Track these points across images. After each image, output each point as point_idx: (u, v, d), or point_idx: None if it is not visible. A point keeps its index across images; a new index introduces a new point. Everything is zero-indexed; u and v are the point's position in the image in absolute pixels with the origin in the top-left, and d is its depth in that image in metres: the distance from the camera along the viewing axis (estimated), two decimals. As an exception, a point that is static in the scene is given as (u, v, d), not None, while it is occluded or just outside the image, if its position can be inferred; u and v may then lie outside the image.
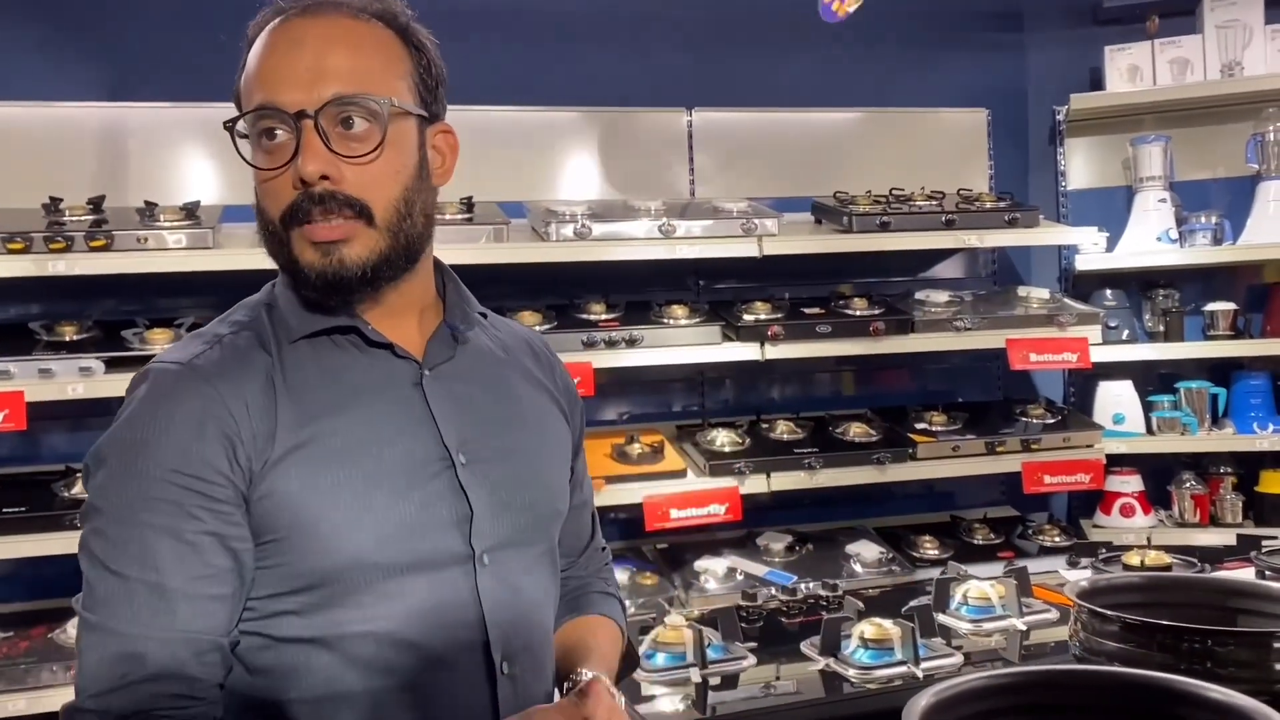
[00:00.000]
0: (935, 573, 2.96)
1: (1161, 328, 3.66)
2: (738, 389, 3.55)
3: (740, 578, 2.98)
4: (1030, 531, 3.33)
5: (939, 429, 3.24)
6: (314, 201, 1.01)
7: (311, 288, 1.04)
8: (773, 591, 1.77)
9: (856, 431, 3.21)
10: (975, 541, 3.28)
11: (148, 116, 2.99)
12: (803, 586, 2.81)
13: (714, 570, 2.99)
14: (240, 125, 1.04)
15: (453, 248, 2.75)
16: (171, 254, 2.58)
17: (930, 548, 3.20)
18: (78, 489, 2.52)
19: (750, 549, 3.17)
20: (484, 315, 1.21)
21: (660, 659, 1.38)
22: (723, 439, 3.13)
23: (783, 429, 3.22)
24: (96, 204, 2.69)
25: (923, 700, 0.84)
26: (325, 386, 1.04)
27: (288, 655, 1.00)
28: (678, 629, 1.39)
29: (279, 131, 1.02)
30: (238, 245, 2.64)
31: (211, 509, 0.97)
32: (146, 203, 2.69)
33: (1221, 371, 3.68)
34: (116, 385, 2.47)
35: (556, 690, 1.14)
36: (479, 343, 1.17)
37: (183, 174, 3.00)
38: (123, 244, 2.53)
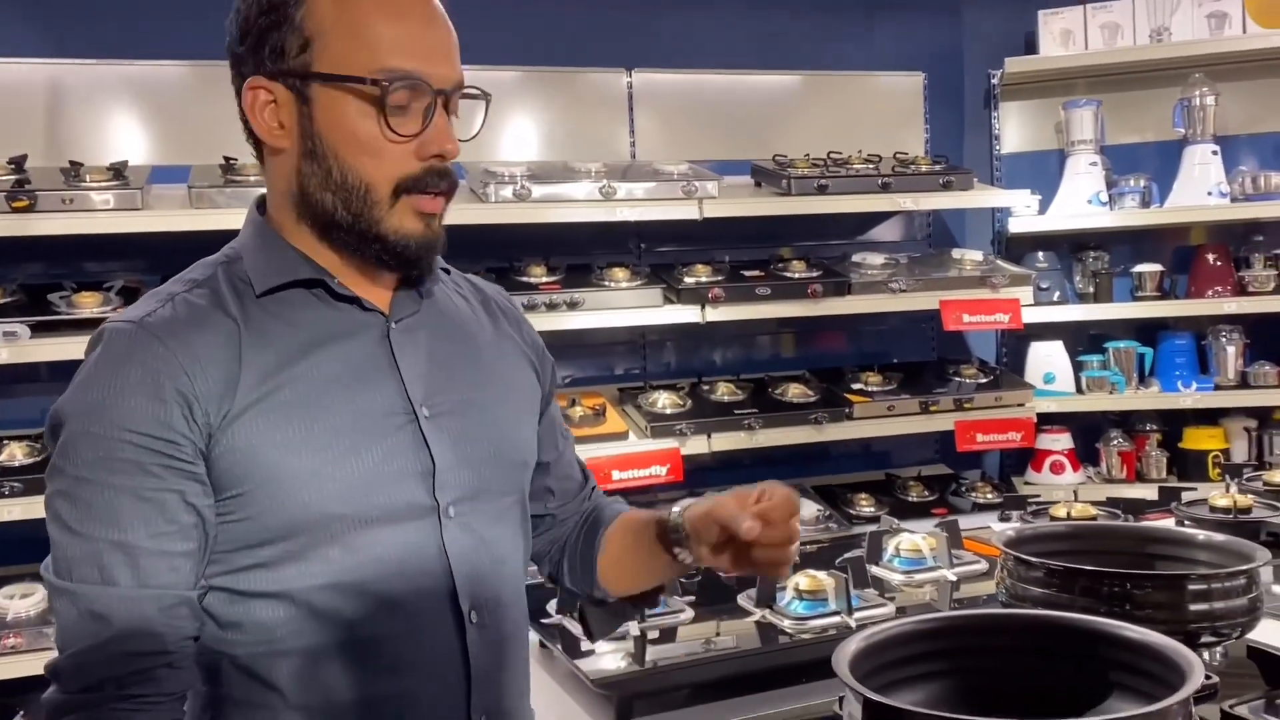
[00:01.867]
0: (871, 529, 3.06)
1: (1091, 289, 3.75)
2: (679, 351, 3.57)
3: (682, 537, 3.02)
4: (963, 489, 3.41)
5: (875, 389, 3.29)
6: (439, 176, 1.06)
7: (399, 255, 1.06)
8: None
9: (795, 392, 3.25)
10: (910, 499, 3.35)
11: (72, 73, 2.90)
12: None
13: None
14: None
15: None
16: (98, 215, 2.51)
17: (866, 505, 3.26)
18: (4, 455, 2.47)
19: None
20: (447, 271, 1.21)
21: (600, 614, 1.39)
22: (664, 401, 3.15)
23: (723, 390, 3.24)
24: (18, 164, 2.61)
25: (851, 645, 0.86)
26: (290, 340, 1.04)
27: (256, 609, 1.01)
28: (617, 584, 1.40)
29: (414, 103, 1.04)
30: (168, 206, 2.58)
31: (171, 467, 0.98)
32: (71, 162, 2.61)
33: (1149, 332, 3.78)
34: (44, 350, 2.42)
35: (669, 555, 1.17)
36: (443, 297, 1.17)
37: (109, 133, 2.91)
38: (47, 205, 2.46)
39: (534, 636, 1.44)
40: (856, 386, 3.31)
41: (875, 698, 0.76)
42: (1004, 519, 2.13)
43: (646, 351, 3.54)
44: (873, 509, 3.24)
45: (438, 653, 1.05)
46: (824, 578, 1.40)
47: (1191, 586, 1.03)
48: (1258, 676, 1.09)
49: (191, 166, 2.73)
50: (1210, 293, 3.64)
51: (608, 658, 1.35)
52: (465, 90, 1.09)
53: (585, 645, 1.38)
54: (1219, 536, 1.17)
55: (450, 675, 1.05)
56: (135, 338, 1.00)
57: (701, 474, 3.26)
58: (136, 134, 2.92)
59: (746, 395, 3.23)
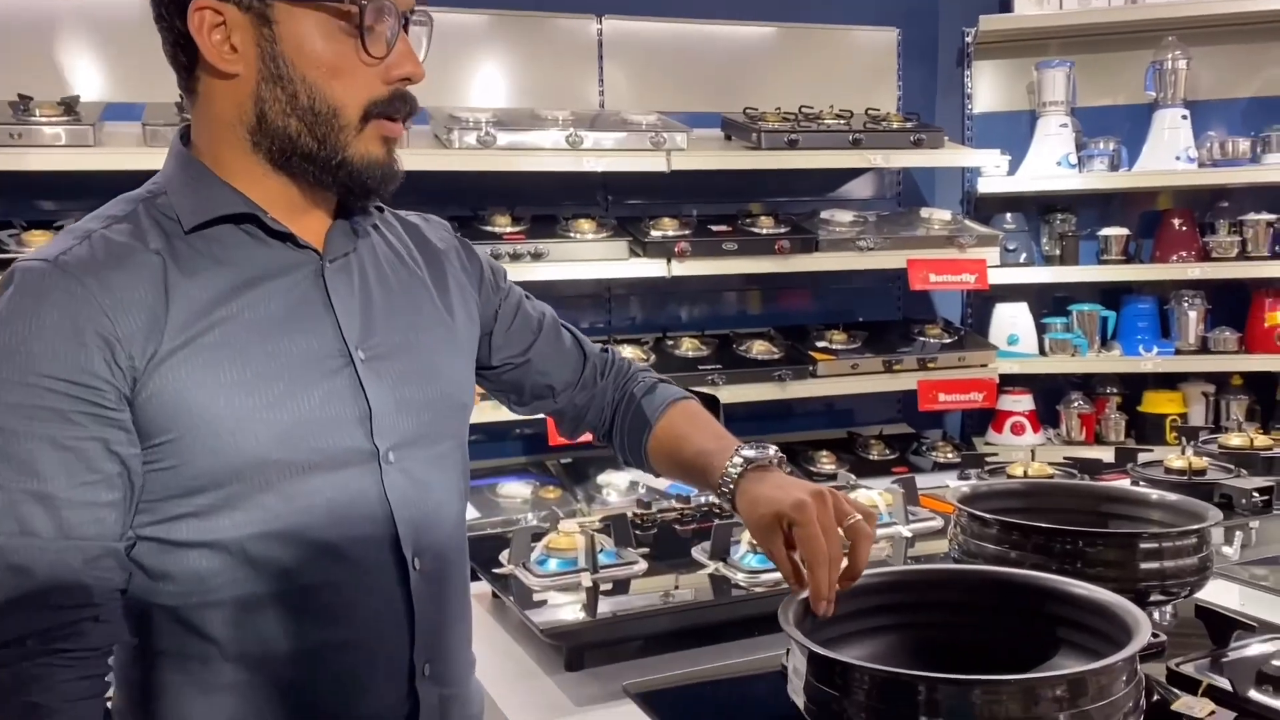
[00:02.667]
0: (849, 478, 3.07)
1: (1058, 251, 3.75)
2: (645, 306, 3.54)
3: (642, 491, 3.01)
4: (924, 448, 3.43)
5: (839, 347, 3.29)
6: (404, 100, 1.04)
7: (364, 183, 1.03)
8: (672, 502, 1.78)
9: (759, 349, 3.24)
10: (871, 457, 3.36)
11: (22, 4, 2.80)
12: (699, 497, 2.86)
13: (616, 484, 3.02)
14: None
15: (351, 153, 2.66)
16: (49, 151, 2.44)
17: (827, 463, 3.27)
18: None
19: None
20: (380, 209, 1.17)
21: (552, 564, 1.38)
22: (627, 355, 3.12)
23: (687, 346, 3.23)
24: (-35, 96, 2.53)
25: (799, 599, 0.85)
26: (220, 278, 1.00)
27: (191, 559, 0.98)
28: (570, 535, 1.40)
29: (379, 25, 1.01)
30: (122, 144, 2.51)
31: (93, 414, 0.93)
32: (20, 96, 2.53)
33: (1113, 295, 3.80)
34: (-9, 289, 2.35)
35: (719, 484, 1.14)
36: (379, 236, 1.13)
37: (60, 68, 2.82)
38: (-6, 140, 2.38)
39: (485, 587, 1.43)
40: (821, 344, 3.30)
41: (819, 650, 0.75)
42: (963, 478, 2.13)
43: (612, 305, 3.51)
44: (833, 467, 3.26)
45: (380, 601, 1.03)
46: (779, 532, 1.39)
47: (1143, 545, 1.03)
48: (1205, 635, 1.09)
49: (146, 104, 2.66)
50: (1174, 258, 3.66)
51: (560, 609, 1.33)
52: (415, 14, 1.06)
53: (538, 595, 1.36)
54: (1172, 496, 1.17)
55: (393, 623, 1.04)
56: (50, 278, 0.94)
57: (664, 428, 3.24)
58: (90, 69, 2.84)
59: (711, 351, 3.21)
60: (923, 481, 3.22)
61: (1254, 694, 0.96)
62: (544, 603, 1.36)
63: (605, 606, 1.32)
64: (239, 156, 1.02)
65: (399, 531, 1.03)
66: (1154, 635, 1.12)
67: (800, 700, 0.79)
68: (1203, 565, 1.05)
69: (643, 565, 1.42)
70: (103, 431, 0.94)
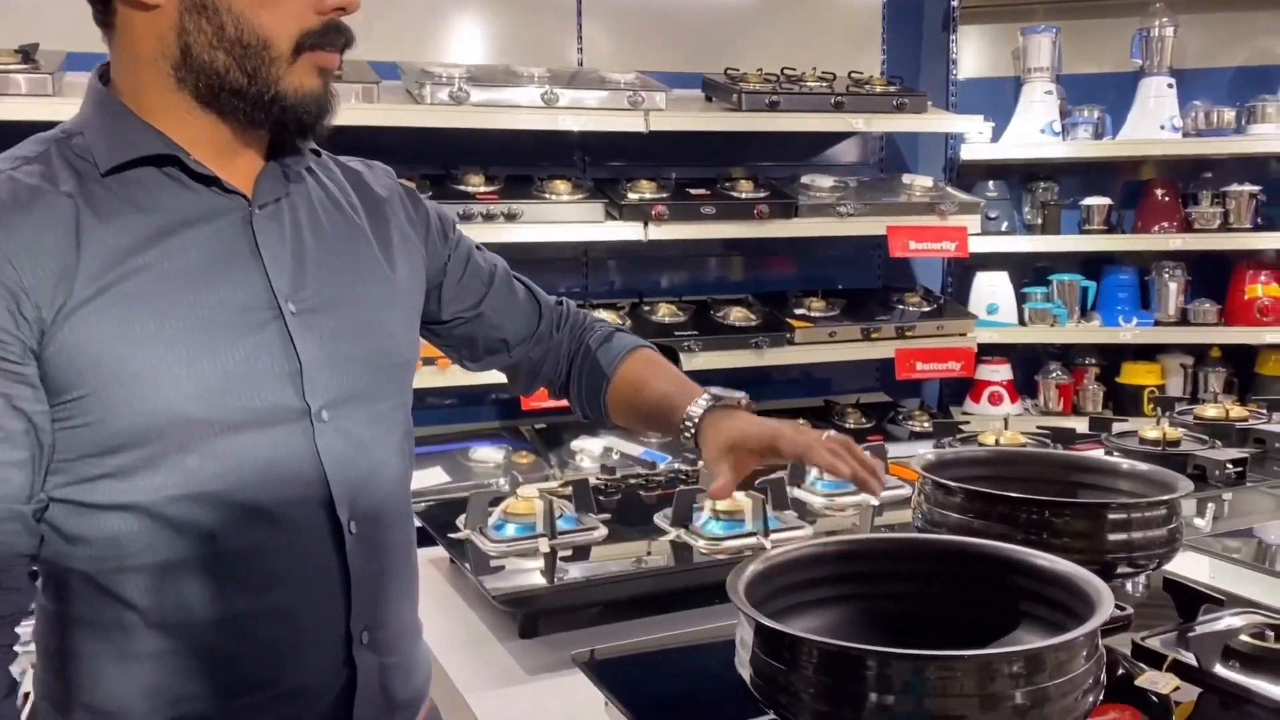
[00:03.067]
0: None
1: (1039, 220, 3.72)
2: (623, 270, 3.49)
3: (616, 457, 2.98)
4: (901, 417, 3.40)
5: (817, 315, 3.26)
6: (339, 31, 0.99)
7: (299, 118, 0.98)
8: (638, 469, 1.75)
9: (737, 316, 3.20)
10: (847, 425, 3.34)
11: (-22, -52, 2.71)
12: (665, 463, 2.82)
13: (590, 450, 2.99)
14: None
15: (319, 107, 2.59)
16: (6, 100, 2.37)
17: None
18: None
19: (628, 430, 3.16)
20: (318, 153, 1.11)
21: (510, 529, 1.35)
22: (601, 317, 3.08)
23: (664, 312, 3.19)
24: (-82, 42, 2.44)
25: (750, 568, 0.82)
26: (139, 224, 0.93)
27: (109, 523, 0.92)
28: (529, 500, 1.36)
29: None
30: (83, 94, 2.43)
31: None
32: (-24, 43, 2.45)
33: (1094, 266, 3.77)
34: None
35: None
36: (314, 181, 1.07)
37: (18, 13, 2.73)
38: (-53, 87, 2.31)
39: (441, 552, 1.39)
40: (799, 311, 3.27)
41: (765, 622, 0.71)
42: (938, 446, 2.10)
43: (589, 269, 3.45)
44: (809, 434, 3.23)
45: (313, 566, 0.98)
46: (741, 498, 1.36)
47: (1110, 515, 0.99)
48: (1173, 608, 1.07)
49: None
50: (1156, 228, 3.63)
51: (516, 575, 1.30)
52: None
53: (495, 561, 1.33)
54: (1143, 466, 1.13)
55: (328, 589, 0.99)
56: None
57: (639, 394, 3.21)
58: (51, 15, 2.74)
59: (687, 317, 3.17)
60: (898, 450, 3.22)
61: (1220, 669, 0.93)
62: (501, 568, 1.32)
63: (562, 573, 1.28)
64: (162, 94, 0.96)
65: (333, 493, 0.98)
66: (1119, 608, 1.09)
67: (746, 673, 0.75)
68: (1172, 537, 1.02)
69: (603, 531, 1.38)
70: (6, 387, 0.89)
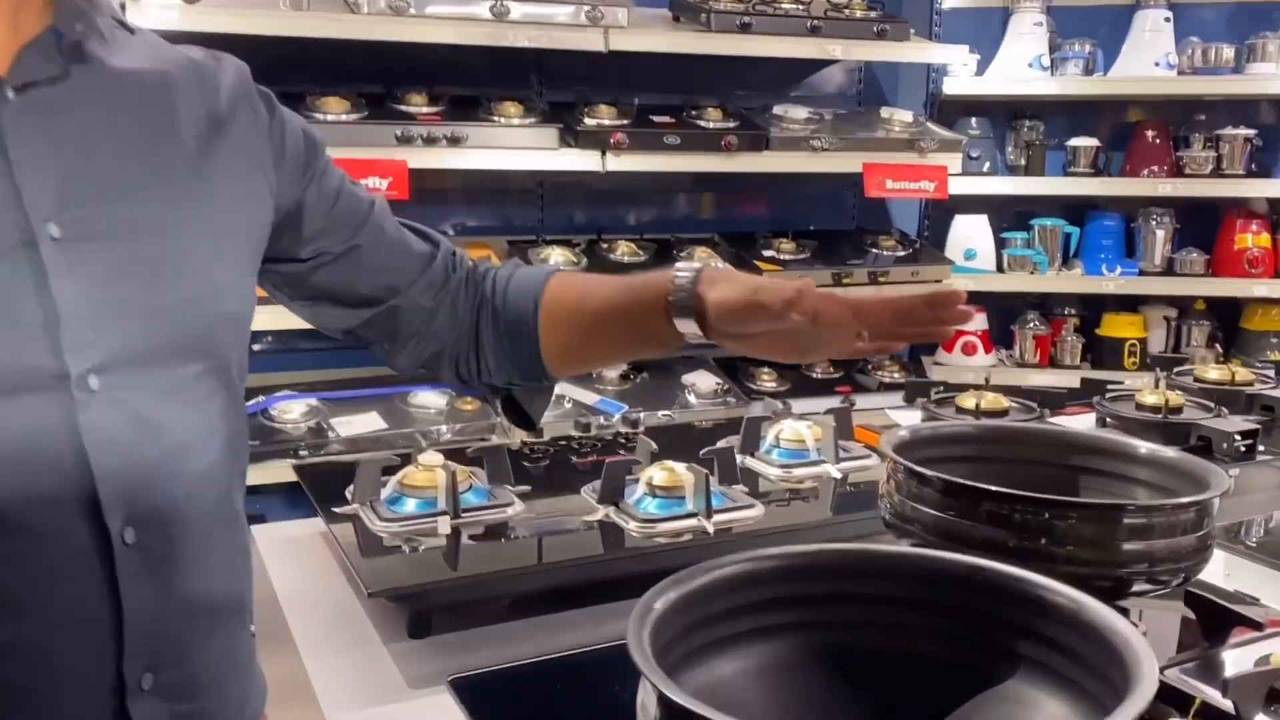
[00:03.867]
0: (775, 405, 2.87)
1: (1023, 161, 3.52)
2: (582, 205, 3.26)
3: (569, 405, 2.78)
4: (870, 367, 3.22)
5: (787, 258, 3.05)
6: None
7: None
8: (599, 427, 1.54)
9: (701, 256, 2.99)
10: (814, 375, 3.16)
11: None
12: (598, 421, 2.61)
13: (539, 397, 2.79)
14: None
15: (240, 12, 2.33)
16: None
17: (767, 380, 3.07)
18: None
19: (583, 376, 2.96)
20: (130, 30, 0.85)
21: (410, 505, 1.14)
22: (557, 258, 2.86)
23: (623, 250, 2.97)
24: None
25: (664, 596, 0.61)
26: None
27: None
28: (430, 470, 1.15)
29: None
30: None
31: None
32: None
33: (1078, 211, 3.59)
34: None
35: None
36: (114, 65, 0.81)
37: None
38: None
39: (320, 527, 1.18)
40: (768, 254, 3.06)
41: (668, 693, 0.51)
42: (908, 401, 1.91)
43: (544, 203, 3.22)
44: (774, 384, 3.06)
45: (71, 588, 0.74)
46: (683, 472, 1.16)
47: (1127, 520, 0.80)
48: (1195, 627, 0.88)
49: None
50: (1145, 172, 3.43)
51: (411, 563, 1.08)
52: None
53: (388, 542, 1.12)
54: (1167, 452, 0.94)
55: (90, 620, 0.75)
56: None
57: (592, 338, 3.00)
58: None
59: (648, 257, 2.96)
60: (867, 402, 3.07)
61: (1262, 718, 0.74)
62: (397, 549, 1.12)
63: (466, 558, 1.08)
64: None
65: (99, 490, 0.73)
66: (1133, 623, 0.90)
67: (651, 754, 0.55)
68: (1202, 545, 0.83)
69: (518, 507, 1.17)
70: None
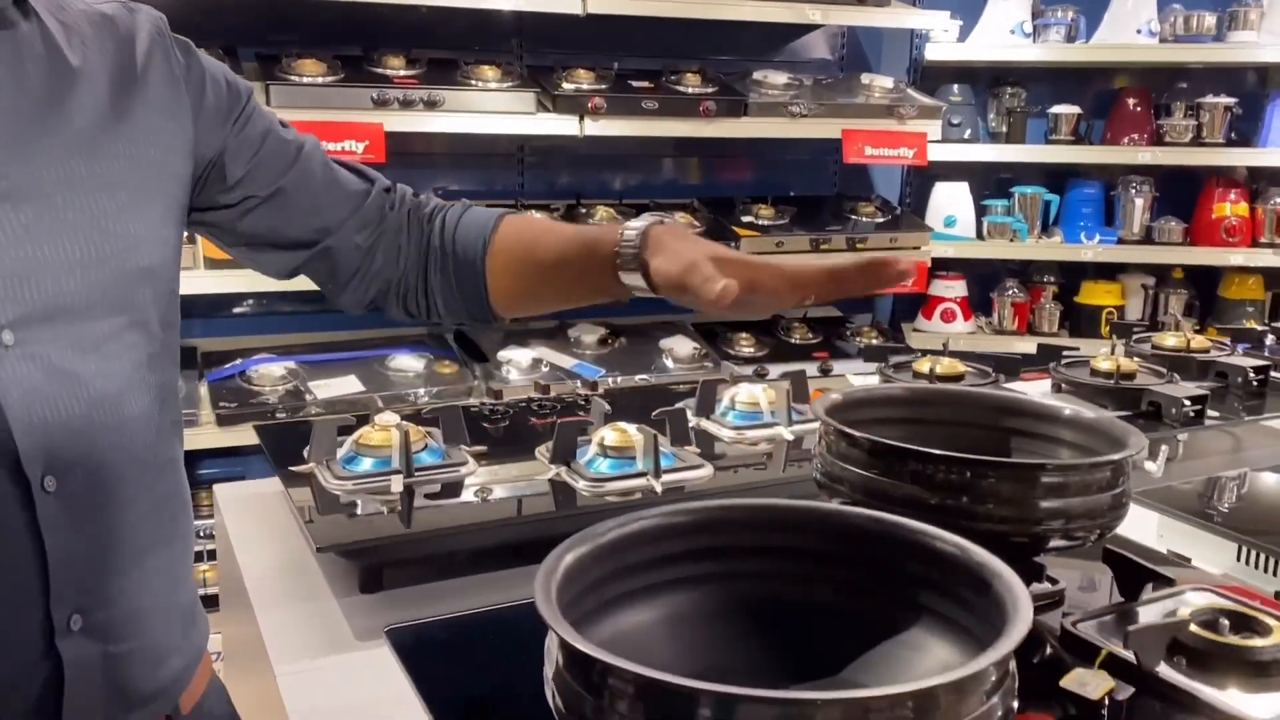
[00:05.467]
0: (748, 370, 2.89)
1: (1004, 128, 3.52)
2: (563, 169, 3.26)
3: (545, 369, 2.81)
4: (849, 333, 3.24)
5: (766, 223, 3.06)
6: None
7: None
8: (575, 388, 1.56)
9: (680, 221, 2.99)
10: (793, 340, 3.17)
11: None
12: (597, 375, 2.65)
13: (518, 361, 2.81)
14: None
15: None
16: None
17: (746, 345, 3.08)
18: None
19: (560, 340, 2.99)
20: None
21: (366, 464, 1.16)
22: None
23: (602, 215, 2.98)
24: None
25: (576, 549, 0.63)
26: None
27: None
28: (385, 429, 1.17)
29: None
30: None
31: None
32: None
33: (1059, 178, 3.60)
34: None
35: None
36: (28, 24, 0.82)
37: None
38: None
39: (278, 485, 1.20)
40: (747, 219, 3.07)
41: (569, 638, 0.53)
42: (879, 366, 1.93)
43: (525, 167, 3.22)
44: (752, 349, 3.08)
45: None
46: (634, 433, 1.18)
47: (1044, 479, 0.82)
48: (1110, 580, 0.91)
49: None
50: (1126, 140, 3.44)
51: (365, 518, 1.11)
52: None
53: (344, 499, 1.14)
54: (1088, 413, 0.96)
55: (13, 564, 0.78)
56: None
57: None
58: None
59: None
60: (845, 367, 3.10)
61: (1164, 668, 0.77)
62: (352, 506, 1.14)
63: (418, 516, 1.10)
64: None
65: (16, 441, 0.76)
66: (1051, 580, 0.93)
67: (550, 694, 0.57)
68: (1117, 503, 0.85)
69: (471, 466, 1.20)
70: None
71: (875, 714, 0.49)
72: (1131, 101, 3.48)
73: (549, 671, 0.58)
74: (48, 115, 0.80)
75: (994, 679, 0.54)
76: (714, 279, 0.85)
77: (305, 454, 1.21)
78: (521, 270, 1.02)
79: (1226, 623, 0.81)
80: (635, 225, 0.95)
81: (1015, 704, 0.57)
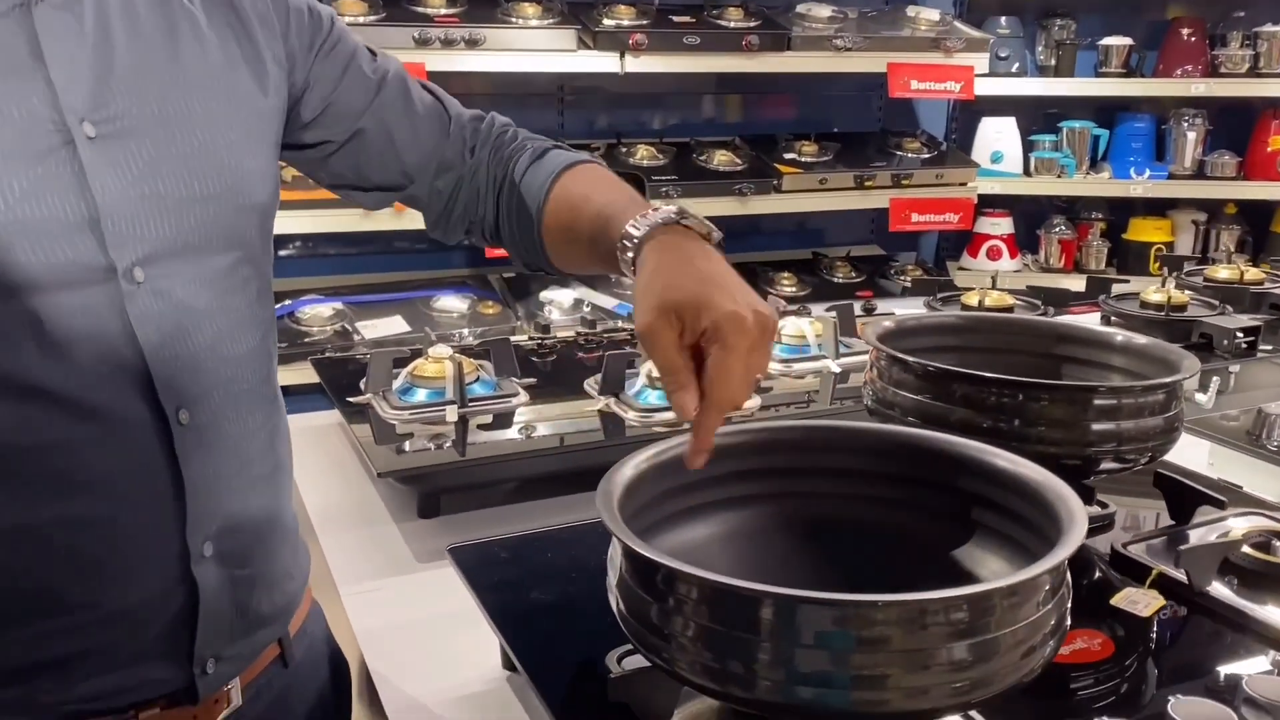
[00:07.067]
0: (796, 309, 2.89)
1: (1053, 62, 3.44)
2: (603, 108, 3.24)
3: (588, 309, 2.82)
4: (893, 272, 3.22)
5: (809, 160, 3.03)
6: None
7: None
8: (578, 328, 1.57)
9: (721, 160, 2.97)
10: (835, 280, 3.15)
11: None
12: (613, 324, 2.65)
13: (560, 301, 2.83)
14: None
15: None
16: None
17: (788, 284, 3.07)
18: None
19: (602, 281, 2.99)
20: None
21: (420, 395, 1.19)
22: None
23: (642, 154, 2.96)
24: None
25: (632, 463, 0.65)
26: None
27: None
28: (439, 361, 1.19)
29: None
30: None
31: None
32: None
33: (1108, 113, 3.52)
34: None
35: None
36: None
37: None
38: None
39: (337, 418, 1.23)
40: (789, 156, 3.04)
41: (633, 545, 0.55)
42: (929, 305, 1.93)
43: (565, 106, 3.20)
44: (794, 289, 3.06)
45: (134, 465, 0.78)
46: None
47: (1097, 401, 0.82)
48: (1162, 505, 0.91)
49: None
50: (1179, 72, 3.36)
51: (422, 447, 1.13)
52: None
53: (401, 429, 1.17)
54: (1140, 339, 0.96)
55: (154, 494, 0.79)
56: None
57: (613, 242, 3.02)
58: None
59: (668, 160, 2.95)
60: (889, 306, 3.08)
61: (1215, 588, 0.78)
62: (408, 437, 1.17)
63: (472, 445, 1.13)
64: None
65: (153, 375, 0.78)
66: (1101, 504, 0.94)
67: (615, 604, 0.59)
68: (1169, 427, 0.86)
69: (523, 398, 1.22)
70: None
71: (932, 616, 0.51)
72: (1185, 32, 3.38)
73: (612, 580, 0.60)
74: (161, 54, 0.81)
75: (1048, 587, 0.55)
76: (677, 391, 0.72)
77: (361, 386, 1.23)
78: (564, 239, 0.99)
79: (1279, 543, 0.81)
80: (637, 231, 0.84)
81: (1068, 616, 0.58)
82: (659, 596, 0.55)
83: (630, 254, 0.82)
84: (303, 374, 2.46)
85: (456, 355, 1.21)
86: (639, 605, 0.57)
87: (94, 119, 0.76)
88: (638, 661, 0.59)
